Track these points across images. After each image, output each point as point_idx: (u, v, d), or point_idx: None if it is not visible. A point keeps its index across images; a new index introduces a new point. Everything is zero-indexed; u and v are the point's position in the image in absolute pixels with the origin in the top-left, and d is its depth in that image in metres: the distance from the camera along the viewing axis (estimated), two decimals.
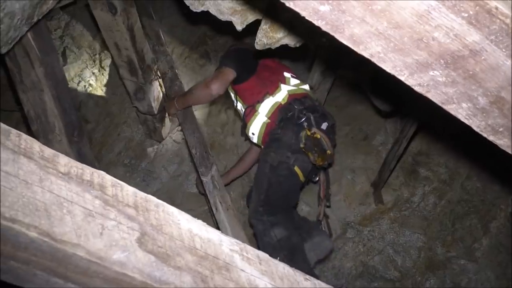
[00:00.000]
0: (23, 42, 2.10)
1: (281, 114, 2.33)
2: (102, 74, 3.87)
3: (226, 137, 3.63)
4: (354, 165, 3.15)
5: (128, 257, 0.77)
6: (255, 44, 1.54)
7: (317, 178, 2.50)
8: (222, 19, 1.57)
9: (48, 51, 2.25)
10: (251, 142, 2.71)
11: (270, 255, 1.87)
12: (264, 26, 1.49)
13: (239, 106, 2.65)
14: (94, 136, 3.64)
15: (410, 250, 2.88)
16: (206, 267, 0.85)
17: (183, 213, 0.93)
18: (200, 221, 0.94)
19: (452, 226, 2.82)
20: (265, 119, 2.42)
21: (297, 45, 1.56)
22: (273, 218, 2.10)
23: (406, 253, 2.88)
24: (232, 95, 2.73)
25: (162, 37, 3.26)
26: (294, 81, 2.59)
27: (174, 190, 3.55)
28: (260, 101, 2.44)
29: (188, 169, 3.54)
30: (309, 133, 2.20)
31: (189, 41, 4.07)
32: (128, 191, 0.86)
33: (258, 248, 2.02)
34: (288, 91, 2.45)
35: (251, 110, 2.49)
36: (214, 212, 2.28)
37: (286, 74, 2.60)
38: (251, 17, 1.52)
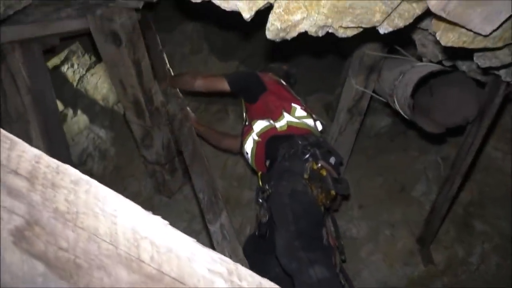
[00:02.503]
0: (10, 64, 1.87)
1: (283, 149, 2.16)
2: (113, 126, 3.66)
3: (242, 191, 3.24)
4: (392, 219, 2.66)
5: None
6: (266, 32, 1.22)
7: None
8: (227, 9, 1.28)
9: (39, 78, 2.02)
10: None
11: None
12: (278, 10, 1.19)
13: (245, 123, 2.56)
14: None
15: None
16: None
17: (127, 200, 0.54)
18: (159, 218, 0.55)
19: None
20: (256, 137, 2.32)
21: (320, 34, 1.22)
22: (312, 254, 1.79)
23: None
24: (244, 114, 2.60)
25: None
26: (300, 113, 2.40)
27: None
28: (258, 119, 2.35)
29: (199, 227, 3.11)
30: (315, 166, 2.01)
31: (205, 97, 3.86)
32: (25, 152, 0.49)
33: None
34: (288, 121, 2.31)
35: (248, 128, 2.40)
36: None
37: (294, 105, 2.41)
38: (261, 2, 1.21)
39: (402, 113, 1.99)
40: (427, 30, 1.48)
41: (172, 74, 2.91)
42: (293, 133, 2.23)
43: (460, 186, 2.04)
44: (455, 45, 1.08)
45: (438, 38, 1.08)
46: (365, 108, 2.62)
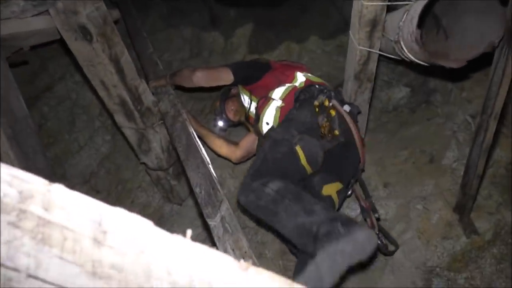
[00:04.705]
0: None
1: (297, 95, 2.11)
2: (115, 140, 3.48)
3: (236, 180, 2.99)
4: (423, 193, 2.32)
5: None
6: None
7: (350, 192, 2.19)
8: None
9: (2, 82, 1.83)
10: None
11: (275, 212, 1.61)
12: None
13: (253, 107, 2.39)
14: None
15: None
16: None
17: None
18: None
19: None
20: (279, 103, 2.18)
21: None
22: (264, 179, 1.71)
23: None
24: (246, 97, 2.46)
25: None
26: (314, 76, 2.39)
27: None
28: (274, 89, 2.24)
29: None
30: (326, 103, 1.97)
31: (211, 96, 3.65)
32: None
33: None
34: (306, 76, 2.30)
35: (264, 100, 2.25)
36: None
37: (305, 72, 2.40)
38: None
39: (412, 57, 1.69)
40: None
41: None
42: (313, 84, 2.19)
43: (496, 133, 1.69)
44: None
45: None
46: (374, 72, 2.31)
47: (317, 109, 1.96)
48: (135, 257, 0.31)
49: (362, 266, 2.08)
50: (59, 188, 0.33)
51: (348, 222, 1.45)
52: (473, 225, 2.02)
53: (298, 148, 1.84)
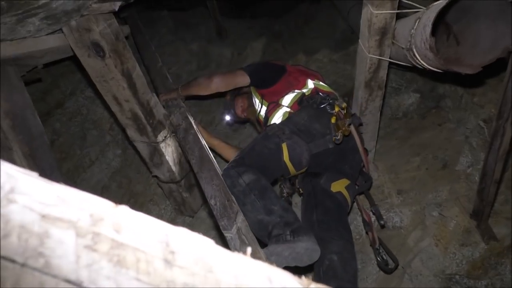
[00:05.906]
0: None
1: (301, 100, 2.20)
2: (125, 154, 3.50)
3: None
4: (438, 199, 2.31)
5: None
6: None
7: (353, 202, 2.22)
8: None
9: (18, 101, 1.86)
10: None
11: (243, 203, 1.81)
12: None
13: (263, 110, 2.42)
14: None
15: None
16: None
17: None
18: None
19: None
20: (287, 109, 2.24)
21: None
22: (241, 168, 1.91)
23: None
24: (258, 101, 2.49)
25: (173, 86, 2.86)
26: (324, 85, 2.41)
27: None
28: (284, 95, 2.30)
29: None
30: (337, 108, 2.04)
31: (219, 110, 3.68)
32: None
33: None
34: (315, 84, 2.33)
35: (274, 105, 2.32)
36: None
37: (317, 79, 2.44)
38: None
39: (426, 64, 1.69)
40: None
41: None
42: (319, 91, 2.22)
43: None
44: None
45: None
46: (384, 79, 2.32)
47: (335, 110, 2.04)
48: (205, 276, 0.31)
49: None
50: (124, 210, 0.34)
51: (298, 231, 1.62)
52: (491, 231, 2.00)
53: (284, 145, 1.97)
